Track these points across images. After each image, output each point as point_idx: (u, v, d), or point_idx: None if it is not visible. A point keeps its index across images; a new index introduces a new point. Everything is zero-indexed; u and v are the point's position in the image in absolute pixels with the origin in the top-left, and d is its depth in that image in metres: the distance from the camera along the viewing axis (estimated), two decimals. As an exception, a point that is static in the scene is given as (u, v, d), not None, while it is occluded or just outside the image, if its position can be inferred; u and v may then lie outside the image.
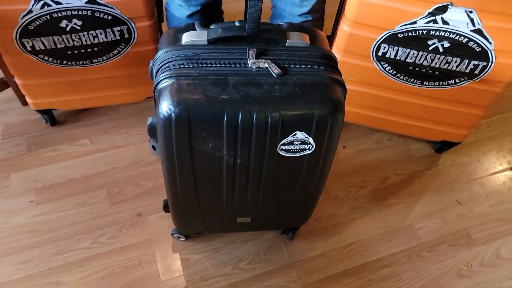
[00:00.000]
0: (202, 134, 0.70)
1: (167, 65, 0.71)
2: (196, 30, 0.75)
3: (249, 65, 0.70)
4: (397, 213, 1.18)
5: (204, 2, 1.04)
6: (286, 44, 0.74)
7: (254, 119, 0.68)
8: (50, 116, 1.24)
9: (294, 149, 0.74)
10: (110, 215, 1.10)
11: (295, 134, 0.71)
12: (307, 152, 0.74)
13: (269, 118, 0.68)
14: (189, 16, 1.05)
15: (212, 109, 0.67)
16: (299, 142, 0.72)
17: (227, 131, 0.69)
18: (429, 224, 1.16)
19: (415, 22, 0.94)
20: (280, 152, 0.73)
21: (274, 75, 0.69)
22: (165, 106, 0.67)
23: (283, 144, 0.72)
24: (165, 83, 0.68)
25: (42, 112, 1.23)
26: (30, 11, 0.92)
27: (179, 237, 1.07)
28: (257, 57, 0.71)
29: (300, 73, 0.71)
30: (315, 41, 0.77)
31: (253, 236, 1.10)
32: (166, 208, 0.97)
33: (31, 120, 1.27)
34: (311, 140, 0.72)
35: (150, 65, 0.78)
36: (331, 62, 0.75)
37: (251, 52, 0.72)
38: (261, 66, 0.70)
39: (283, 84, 0.69)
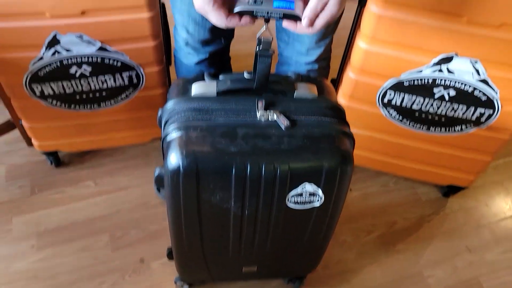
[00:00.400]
0: (210, 186, 0.69)
1: (176, 116, 0.71)
2: (205, 81, 0.76)
3: (258, 117, 0.70)
4: (406, 260, 1.15)
5: (212, 51, 1.05)
6: (295, 96, 0.75)
7: (263, 171, 0.68)
8: (55, 158, 1.24)
9: (302, 201, 0.73)
10: (113, 261, 1.08)
11: (304, 186, 0.70)
12: (316, 204, 0.73)
13: (278, 170, 0.68)
14: (198, 63, 1.06)
15: (221, 161, 0.67)
16: (308, 194, 0.72)
17: (236, 183, 0.69)
18: (439, 271, 1.13)
19: (420, 71, 0.95)
20: (289, 204, 0.72)
21: (283, 127, 0.69)
22: (174, 158, 0.66)
23: (292, 196, 0.71)
24: (174, 135, 0.68)
25: (48, 153, 1.23)
26: (41, 58, 0.94)
27: (182, 285, 1.04)
28: (266, 109, 0.72)
29: (309, 125, 0.71)
30: (322, 92, 0.77)
31: (258, 285, 1.07)
32: (170, 255, 0.95)
33: (36, 162, 1.27)
34: (320, 192, 0.71)
35: (159, 114, 0.78)
36: (339, 114, 0.75)
37: (260, 103, 0.72)
38: (270, 118, 0.70)
39: (292, 136, 0.69)
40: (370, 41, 0.92)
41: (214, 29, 0.98)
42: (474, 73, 0.92)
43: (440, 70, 0.93)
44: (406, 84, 0.98)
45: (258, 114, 0.71)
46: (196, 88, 0.74)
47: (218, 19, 0.63)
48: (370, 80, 1.00)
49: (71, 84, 1.01)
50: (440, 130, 1.08)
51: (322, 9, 0.61)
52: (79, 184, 1.24)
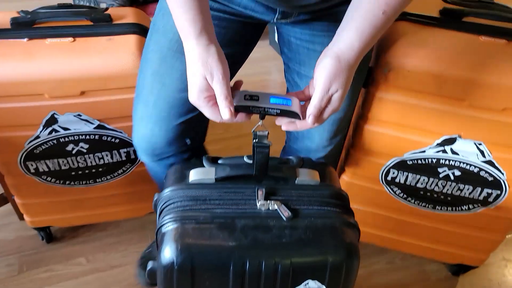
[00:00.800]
0: (206, 283, 0.64)
1: (172, 205, 0.68)
2: (203, 166, 0.73)
3: (258, 206, 0.67)
4: None
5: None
6: (296, 182, 0.72)
7: (263, 267, 0.63)
8: (47, 233, 1.20)
9: (306, 298, 0.67)
10: None
11: (307, 283, 0.66)
12: (320, 301, 0.68)
13: (279, 266, 0.63)
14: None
15: (218, 256, 0.63)
16: (311, 291, 0.67)
17: (234, 280, 0.64)
18: None
19: (423, 151, 0.93)
20: (291, 303, 0.67)
21: (284, 218, 0.66)
22: (168, 253, 0.62)
23: (294, 294, 0.66)
24: (169, 227, 0.65)
25: (40, 229, 1.18)
26: (38, 137, 0.92)
27: None
28: (266, 198, 0.69)
29: (311, 216, 0.67)
30: (325, 178, 0.75)
31: None
32: None
33: (26, 237, 1.22)
34: (324, 289, 0.66)
35: (155, 199, 0.75)
36: (342, 202, 0.72)
37: (260, 192, 0.69)
38: (270, 208, 0.67)
39: (293, 228, 0.65)
40: (372, 121, 0.91)
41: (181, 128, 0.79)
42: (479, 155, 0.90)
43: (444, 151, 0.91)
44: (409, 163, 0.96)
45: (258, 204, 0.68)
46: (194, 175, 0.72)
47: (212, 115, 0.62)
48: (373, 158, 0.98)
49: (67, 161, 0.99)
50: (447, 209, 1.04)
51: (326, 106, 0.61)
52: (70, 261, 1.18)
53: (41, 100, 0.86)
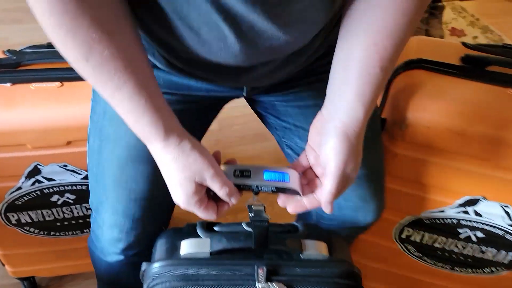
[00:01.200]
0: None
1: (160, 286, 0.59)
2: (197, 236, 0.65)
3: (258, 289, 0.59)
4: None
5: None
6: (302, 257, 0.63)
7: None
8: (31, 283, 1.11)
9: None
10: None
11: None
12: None
13: None
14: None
15: None
16: None
17: None
18: None
19: (442, 211, 0.84)
20: None
21: (288, 305, 0.57)
22: None
23: None
24: (156, 313, 0.56)
25: (23, 278, 1.09)
26: (20, 188, 0.85)
27: None
28: (267, 278, 0.60)
29: (319, 301, 0.59)
30: (334, 249, 0.66)
31: None
32: None
33: (8, 285, 1.13)
34: None
35: (143, 269, 0.67)
36: (355, 281, 0.63)
37: (260, 271, 0.60)
38: (272, 291, 0.59)
39: (298, 316, 0.57)
40: (387, 178, 0.83)
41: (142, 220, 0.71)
42: (505, 217, 0.81)
43: (466, 212, 0.83)
44: (426, 222, 0.87)
45: (258, 286, 0.59)
46: (186, 247, 0.63)
47: (207, 215, 0.56)
48: (386, 215, 0.89)
49: (52, 212, 0.91)
50: (467, 270, 0.95)
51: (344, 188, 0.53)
52: (54, 314, 1.09)
53: (23, 150, 0.79)
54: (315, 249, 0.64)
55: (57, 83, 0.81)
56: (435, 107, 0.74)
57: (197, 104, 0.69)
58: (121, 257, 0.73)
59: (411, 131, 0.75)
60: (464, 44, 0.89)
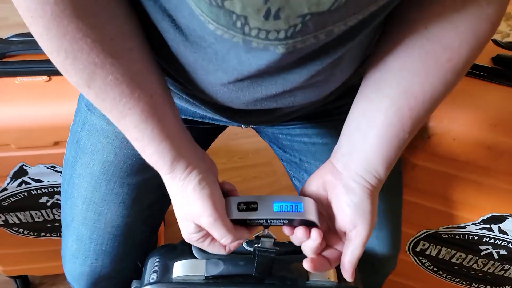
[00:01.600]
0: None
1: (148, 314, 0.54)
2: (192, 256, 0.59)
3: (258, 323, 0.53)
4: None
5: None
6: (307, 284, 0.57)
7: None
8: (23, 281, 1.06)
9: None
10: None
11: None
12: None
13: None
14: None
15: None
16: None
17: None
18: None
19: (464, 227, 0.77)
20: None
21: None
22: None
23: None
24: None
25: (15, 276, 1.05)
26: (5, 189, 0.79)
27: None
28: (268, 311, 0.54)
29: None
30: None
31: None
32: None
33: (1, 282, 1.09)
34: None
35: (134, 287, 0.61)
36: (366, 313, 0.56)
37: (261, 302, 0.54)
38: (273, 325, 0.52)
39: None
40: (404, 189, 0.76)
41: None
42: (533, 237, 0.74)
43: (490, 229, 0.75)
44: (444, 236, 0.80)
45: (258, 319, 0.53)
46: (180, 269, 0.57)
47: (214, 250, 0.49)
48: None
49: (41, 214, 0.85)
50: (485, 287, 0.88)
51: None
52: (47, 314, 1.05)
53: (7, 151, 0.73)
54: (322, 275, 0.58)
55: (44, 78, 0.73)
56: (463, 117, 0.66)
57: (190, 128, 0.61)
58: None
59: (434, 141, 0.67)
60: (495, 42, 0.80)
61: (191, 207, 0.44)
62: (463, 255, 0.82)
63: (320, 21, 0.33)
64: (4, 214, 0.83)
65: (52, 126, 0.71)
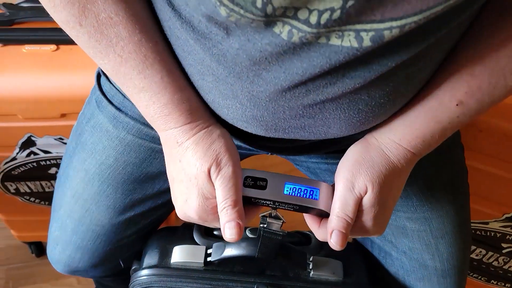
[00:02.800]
0: None
1: (144, 299, 0.52)
2: (193, 242, 0.56)
3: (255, 314, 0.50)
4: None
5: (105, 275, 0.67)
6: (310, 277, 0.54)
7: None
8: (37, 247, 1.08)
9: None
10: None
11: None
12: None
13: None
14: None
15: None
16: None
17: None
18: None
19: (486, 223, 0.72)
20: None
21: None
22: None
23: None
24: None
25: (29, 242, 1.07)
26: (14, 158, 0.78)
27: None
28: (267, 303, 0.51)
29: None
30: (351, 271, 0.56)
31: None
32: None
33: (16, 246, 1.11)
34: None
35: (133, 267, 0.60)
36: (371, 312, 0.53)
37: (259, 293, 0.52)
38: (271, 318, 0.50)
39: None
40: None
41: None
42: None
43: (514, 227, 0.70)
44: (464, 231, 0.75)
45: (256, 311, 0.51)
46: (178, 254, 0.55)
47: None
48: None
49: (51, 184, 0.85)
50: (505, 285, 0.83)
51: (358, 216, 0.40)
52: (59, 280, 1.06)
53: (14, 121, 0.71)
54: (327, 269, 0.55)
55: (52, 46, 0.71)
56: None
57: None
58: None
59: (483, 137, 0.61)
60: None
61: (213, 153, 0.38)
62: (483, 252, 0.78)
63: (367, 9, 0.26)
64: (15, 182, 0.84)
65: (58, 98, 0.69)
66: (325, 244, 0.56)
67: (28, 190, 0.86)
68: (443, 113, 0.37)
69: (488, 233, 0.74)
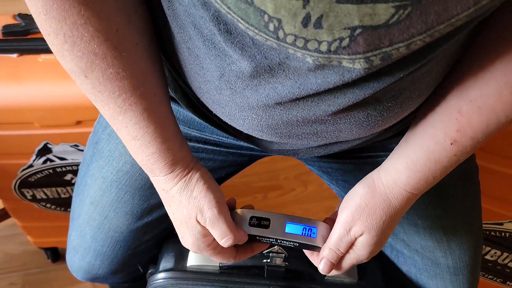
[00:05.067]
0: None
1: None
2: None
3: (271, 316, 0.51)
4: None
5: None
6: (326, 278, 0.54)
7: None
8: (53, 252, 1.10)
9: None
10: None
11: None
12: None
13: None
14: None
15: None
16: None
17: None
18: None
19: (501, 224, 0.71)
20: None
21: None
22: None
23: None
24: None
25: (45, 248, 1.09)
26: (31, 165, 0.80)
27: None
28: (282, 306, 0.52)
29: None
30: (366, 272, 0.56)
31: None
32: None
33: (32, 252, 1.13)
34: None
35: (149, 271, 0.61)
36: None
37: (275, 297, 0.52)
38: (287, 321, 0.51)
39: None
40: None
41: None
42: None
43: (529, 229, 0.70)
44: (478, 232, 0.75)
45: (272, 314, 0.51)
46: (194, 258, 0.55)
47: (224, 260, 0.48)
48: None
49: (67, 190, 0.87)
50: (521, 286, 0.83)
51: (347, 251, 0.44)
52: (75, 286, 1.07)
53: (31, 129, 0.73)
54: (343, 273, 0.55)
55: (67, 55, 0.72)
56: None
57: (219, 149, 0.57)
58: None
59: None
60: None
61: (194, 201, 0.42)
62: (498, 253, 0.77)
63: (374, 38, 0.27)
64: (32, 189, 0.85)
65: (73, 106, 0.71)
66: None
67: (44, 197, 0.88)
68: (440, 153, 0.38)
69: (503, 234, 0.73)
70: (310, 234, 0.44)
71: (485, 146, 0.61)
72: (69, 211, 0.93)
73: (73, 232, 0.62)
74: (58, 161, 0.79)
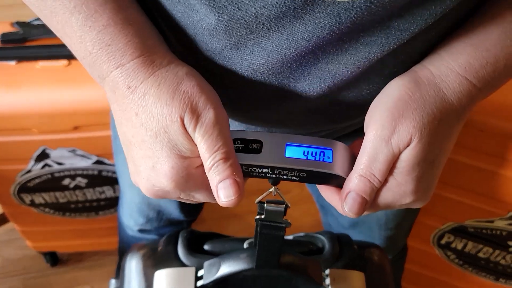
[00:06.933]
0: None
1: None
2: (179, 264, 0.49)
3: None
4: None
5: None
6: (326, 290, 0.50)
7: None
8: (51, 257, 1.11)
9: None
10: None
11: None
12: None
13: None
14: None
15: None
16: None
17: None
18: None
19: (491, 221, 0.73)
20: None
21: None
22: None
23: None
24: None
25: (44, 252, 1.10)
26: (30, 171, 0.81)
27: None
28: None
29: None
30: (375, 283, 0.50)
31: None
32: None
33: (32, 256, 1.14)
34: None
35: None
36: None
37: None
38: None
39: None
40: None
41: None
42: None
43: (520, 224, 0.71)
44: (470, 230, 0.77)
45: None
46: (163, 281, 0.47)
47: (227, 196, 0.30)
48: (425, 220, 0.79)
49: (65, 195, 0.88)
50: (513, 283, 0.84)
51: (385, 180, 0.29)
52: (74, 288, 1.09)
53: (29, 134, 0.74)
54: (348, 283, 0.49)
55: (64, 62, 0.74)
56: (489, 105, 0.61)
57: None
58: (139, 235, 0.71)
59: (460, 132, 0.63)
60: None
61: (183, 96, 0.28)
62: (490, 250, 0.78)
63: None
64: (31, 194, 0.86)
65: (71, 111, 0.72)
66: (344, 250, 0.50)
67: (43, 201, 0.89)
68: None
69: (494, 232, 0.75)
70: (324, 159, 0.30)
71: (473, 144, 0.63)
72: (67, 216, 0.95)
73: (123, 205, 0.69)
74: (56, 166, 0.80)
